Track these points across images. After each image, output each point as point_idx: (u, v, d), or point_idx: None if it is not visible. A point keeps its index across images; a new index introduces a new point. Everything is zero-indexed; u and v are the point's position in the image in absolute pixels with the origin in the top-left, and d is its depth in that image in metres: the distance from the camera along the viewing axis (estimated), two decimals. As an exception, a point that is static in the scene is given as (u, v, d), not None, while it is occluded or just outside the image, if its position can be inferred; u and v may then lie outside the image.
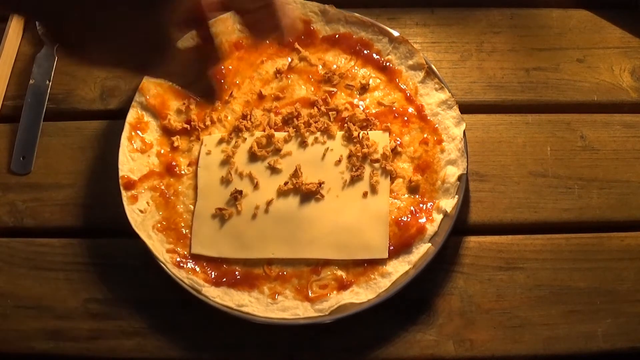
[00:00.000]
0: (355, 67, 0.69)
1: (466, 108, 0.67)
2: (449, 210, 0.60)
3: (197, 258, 0.61)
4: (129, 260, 0.63)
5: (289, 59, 0.70)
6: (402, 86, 0.68)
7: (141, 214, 0.63)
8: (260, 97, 0.69)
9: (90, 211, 0.66)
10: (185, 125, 0.67)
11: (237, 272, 0.61)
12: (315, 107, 0.67)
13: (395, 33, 0.69)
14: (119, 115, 0.69)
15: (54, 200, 0.67)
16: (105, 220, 0.66)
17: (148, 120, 0.68)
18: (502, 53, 0.73)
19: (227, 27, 0.70)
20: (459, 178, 0.62)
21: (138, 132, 0.67)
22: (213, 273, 0.61)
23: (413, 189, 0.63)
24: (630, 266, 0.62)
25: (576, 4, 0.75)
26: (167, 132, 0.67)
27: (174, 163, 0.66)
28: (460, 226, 0.63)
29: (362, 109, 0.67)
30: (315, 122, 0.66)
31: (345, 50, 0.70)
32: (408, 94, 0.67)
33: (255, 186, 0.64)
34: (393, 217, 0.61)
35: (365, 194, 0.62)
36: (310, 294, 0.59)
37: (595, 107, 0.70)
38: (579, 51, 0.72)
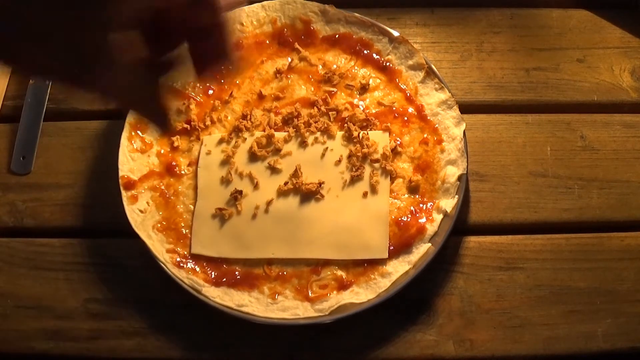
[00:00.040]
0: (355, 67, 0.69)
1: (466, 108, 0.67)
2: (449, 210, 0.60)
3: (197, 258, 0.61)
4: (129, 260, 0.63)
5: (289, 59, 0.70)
6: (402, 86, 0.68)
7: (141, 214, 0.63)
8: (260, 97, 0.69)
9: (90, 211, 0.66)
10: (185, 125, 0.67)
11: (237, 272, 0.61)
12: (315, 107, 0.67)
13: (395, 33, 0.69)
14: (119, 115, 0.69)
15: (54, 200, 0.67)
16: (105, 220, 0.66)
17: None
18: (502, 53, 0.73)
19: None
20: (459, 178, 0.61)
21: (138, 132, 0.67)
22: (213, 273, 0.61)
23: (413, 189, 0.63)
24: (630, 266, 0.62)
25: (576, 4, 0.75)
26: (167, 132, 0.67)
27: (174, 163, 0.66)
28: (460, 226, 0.63)
29: (362, 109, 0.67)
30: (315, 122, 0.66)
31: (345, 50, 0.70)
32: (408, 94, 0.67)
33: (255, 186, 0.64)
34: (393, 217, 0.61)
35: (365, 194, 0.62)
36: (310, 294, 0.59)
37: (595, 107, 0.70)
38: (579, 51, 0.72)
